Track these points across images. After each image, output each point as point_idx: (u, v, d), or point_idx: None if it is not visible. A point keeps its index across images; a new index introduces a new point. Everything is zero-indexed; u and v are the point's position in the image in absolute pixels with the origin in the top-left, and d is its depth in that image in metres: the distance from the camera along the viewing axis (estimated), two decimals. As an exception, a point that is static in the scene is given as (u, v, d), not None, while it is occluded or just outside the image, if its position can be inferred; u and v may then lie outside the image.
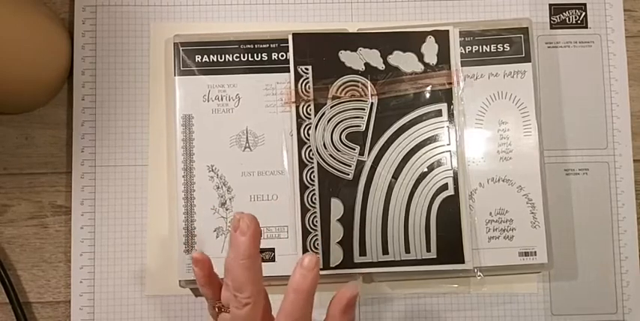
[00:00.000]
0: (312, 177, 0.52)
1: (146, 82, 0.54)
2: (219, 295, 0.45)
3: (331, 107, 0.52)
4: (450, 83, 0.52)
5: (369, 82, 0.52)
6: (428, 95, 0.52)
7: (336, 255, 0.51)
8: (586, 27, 0.55)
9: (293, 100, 0.52)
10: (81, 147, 0.54)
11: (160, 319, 0.53)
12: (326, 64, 0.52)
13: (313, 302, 0.41)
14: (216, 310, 0.44)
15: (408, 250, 0.51)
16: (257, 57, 0.53)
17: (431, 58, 0.53)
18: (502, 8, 0.55)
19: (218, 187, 0.52)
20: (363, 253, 0.51)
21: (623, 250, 0.54)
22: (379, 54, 0.53)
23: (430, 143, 0.52)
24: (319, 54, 0.52)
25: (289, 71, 0.53)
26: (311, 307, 0.41)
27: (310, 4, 0.55)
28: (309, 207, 0.51)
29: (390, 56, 0.53)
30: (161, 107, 0.54)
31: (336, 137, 0.52)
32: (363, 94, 0.52)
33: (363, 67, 0.52)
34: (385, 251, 0.51)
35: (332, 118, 0.52)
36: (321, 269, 0.46)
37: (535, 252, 0.52)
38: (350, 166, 0.52)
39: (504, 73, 0.53)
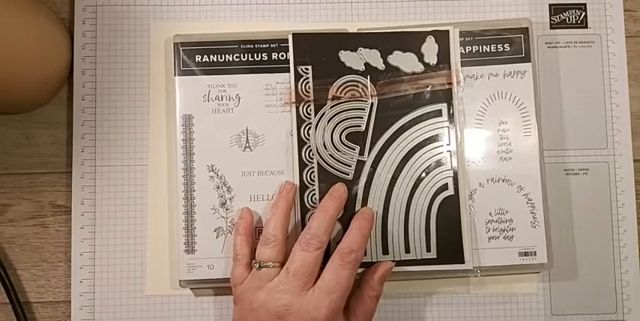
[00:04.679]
0: (312, 177, 0.52)
1: (146, 82, 0.54)
2: (246, 250, 0.49)
3: (331, 107, 0.52)
4: (450, 83, 0.52)
5: (369, 82, 0.52)
6: (428, 95, 0.52)
7: (336, 255, 0.51)
8: (586, 27, 0.55)
9: (293, 100, 0.52)
10: (81, 147, 0.54)
11: (160, 319, 0.53)
12: (326, 64, 0.52)
13: (334, 226, 0.49)
14: (258, 265, 0.48)
15: (408, 250, 0.51)
16: (257, 57, 0.53)
17: (431, 58, 0.53)
18: (502, 8, 0.55)
19: (218, 187, 0.52)
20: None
21: (623, 250, 0.54)
22: (379, 54, 0.53)
23: (430, 143, 0.52)
24: (319, 54, 0.52)
25: (289, 71, 0.53)
26: (333, 226, 0.49)
27: (310, 4, 0.55)
28: (310, 207, 0.51)
29: (390, 56, 0.53)
30: (161, 107, 0.54)
31: (336, 137, 0.52)
32: (363, 94, 0.52)
33: (363, 67, 0.52)
34: (385, 251, 0.51)
35: (332, 118, 0.52)
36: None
37: (535, 252, 0.52)
38: (350, 166, 0.52)
39: (504, 73, 0.53)
